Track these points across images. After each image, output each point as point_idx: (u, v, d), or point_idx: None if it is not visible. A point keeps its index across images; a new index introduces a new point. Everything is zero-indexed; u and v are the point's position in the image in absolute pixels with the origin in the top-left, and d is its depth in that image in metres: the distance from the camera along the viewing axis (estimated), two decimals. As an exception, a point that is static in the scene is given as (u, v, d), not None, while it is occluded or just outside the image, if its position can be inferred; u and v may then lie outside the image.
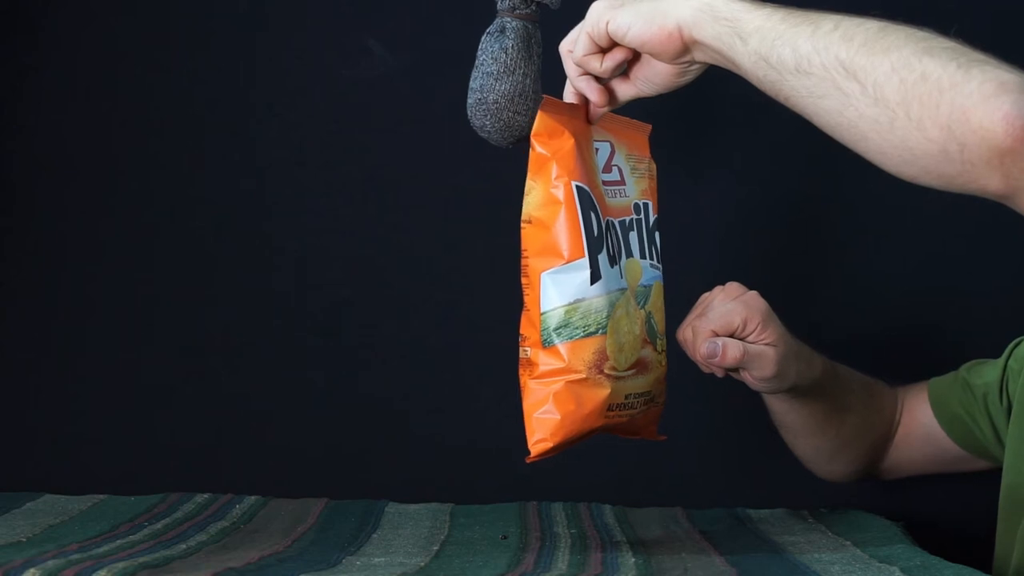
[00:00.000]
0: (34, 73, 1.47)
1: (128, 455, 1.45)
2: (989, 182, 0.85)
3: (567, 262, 1.04)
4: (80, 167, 1.47)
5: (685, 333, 1.21)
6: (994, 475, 1.25)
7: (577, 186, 1.05)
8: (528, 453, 1.05)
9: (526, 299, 1.06)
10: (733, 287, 1.21)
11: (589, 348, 1.04)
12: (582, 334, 1.04)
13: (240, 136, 1.47)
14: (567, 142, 1.05)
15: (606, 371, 1.05)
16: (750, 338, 1.18)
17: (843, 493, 1.41)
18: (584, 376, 1.04)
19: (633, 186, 1.13)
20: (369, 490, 1.40)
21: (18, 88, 1.47)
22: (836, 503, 1.40)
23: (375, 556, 1.12)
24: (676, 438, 1.38)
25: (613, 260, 1.07)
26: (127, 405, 1.46)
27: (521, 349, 1.07)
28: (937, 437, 1.31)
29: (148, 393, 1.46)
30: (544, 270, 1.05)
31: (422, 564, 1.09)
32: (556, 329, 1.04)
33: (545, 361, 1.05)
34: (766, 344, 1.18)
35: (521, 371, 1.07)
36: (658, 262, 1.14)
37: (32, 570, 0.94)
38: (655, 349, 1.11)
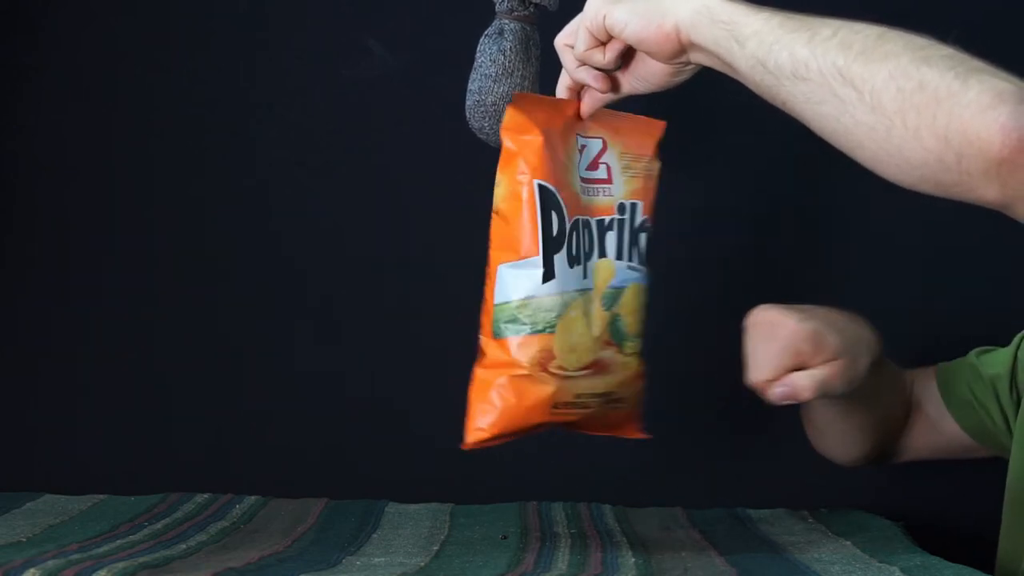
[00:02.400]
0: (34, 73, 1.47)
1: (128, 455, 1.45)
2: (986, 192, 0.85)
3: (521, 258, 1.05)
4: (80, 167, 1.47)
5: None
6: (994, 474, 1.25)
7: (540, 185, 1.05)
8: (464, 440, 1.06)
9: (486, 289, 1.07)
10: (772, 320, 1.16)
11: (535, 345, 1.05)
12: (529, 331, 1.05)
13: (240, 136, 1.47)
14: (535, 139, 1.05)
15: (551, 369, 1.05)
16: (809, 366, 1.14)
17: (843, 493, 1.41)
18: (527, 372, 1.05)
19: (622, 185, 1.12)
20: (369, 490, 1.40)
21: (18, 88, 1.47)
22: (836, 503, 1.40)
23: (375, 556, 1.12)
24: (676, 438, 1.39)
25: (575, 260, 1.07)
26: (127, 405, 1.46)
27: (479, 336, 1.08)
28: (944, 423, 1.31)
29: (148, 393, 1.46)
30: (502, 262, 1.06)
31: (422, 564, 1.09)
32: (506, 323, 1.05)
33: (494, 352, 1.06)
34: (827, 362, 1.14)
35: (477, 358, 1.08)
36: (640, 264, 1.13)
37: (32, 570, 0.95)
38: (621, 351, 1.11)
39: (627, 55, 1.05)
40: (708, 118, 1.44)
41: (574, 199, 1.07)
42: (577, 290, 1.07)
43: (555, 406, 1.06)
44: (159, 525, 1.22)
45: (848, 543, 1.19)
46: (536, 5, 1.10)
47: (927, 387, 1.32)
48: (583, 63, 1.06)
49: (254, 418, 1.46)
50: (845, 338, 1.16)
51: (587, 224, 1.09)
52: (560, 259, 1.06)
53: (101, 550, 1.07)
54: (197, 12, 1.47)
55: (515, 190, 1.05)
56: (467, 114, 1.09)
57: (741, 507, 1.40)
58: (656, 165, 1.16)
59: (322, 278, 1.47)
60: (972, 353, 1.31)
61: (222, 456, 1.45)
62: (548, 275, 1.05)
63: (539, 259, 1.05)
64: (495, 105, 1.08)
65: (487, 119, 1.08)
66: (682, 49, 1.00)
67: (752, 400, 1.30)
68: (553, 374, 1.05)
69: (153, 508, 1.30)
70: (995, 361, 1.28)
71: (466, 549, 1.16)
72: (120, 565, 0.97)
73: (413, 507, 1.36)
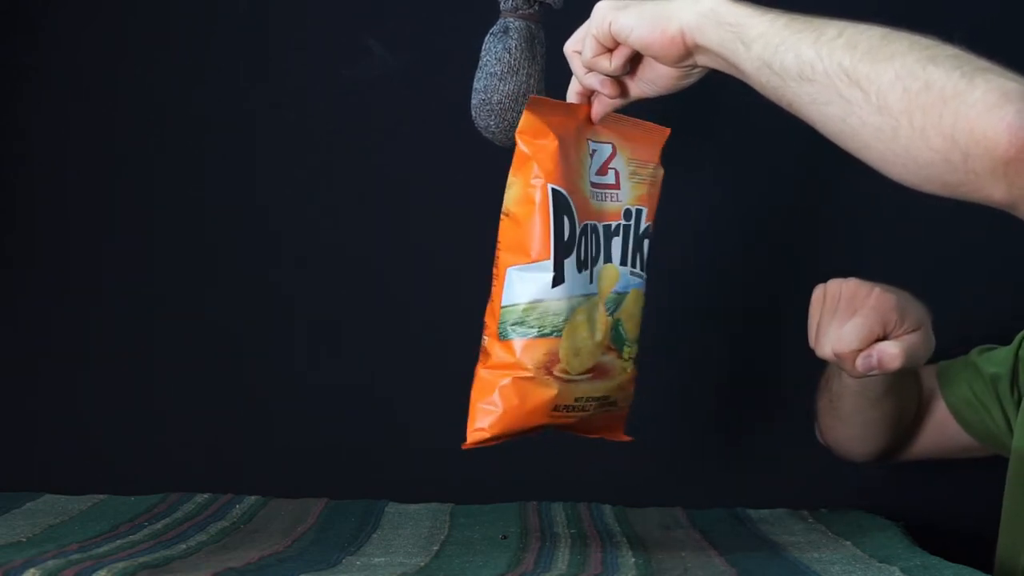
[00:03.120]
0: (34, 73, 1.47)
1: (128, 455, 1.45)
2: (993, 191, 0.85)
3: (532, 261, 1.05)
4: (80, 167, 1.47)
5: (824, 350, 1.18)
6: (994, 474, 1.25)
7: (553, 189, 1.05)
8: (464, 440, 1.06)
9: (493, 289, 1.07)
10: (852, 291, 1.17)
11: (541, 348, 1.05)
12: (536, 334, 1.05)
13: (240, 136, 1.47)
14: (551, 144, 1.05)
15: (556, 373, 1.05)
16: (894, 335, 1.16)
17: (843, 493, 1.41)
18: (532, 375, 1.05)
19: (629, 191, 1.13)
20: (369, 490, 1.40)
21: (18, 88, 1.47)
22: (836, 503, 1.40)
23: (375, 556, 1.12)
24: (676, 438, 1.38)
25: (583, 265, 1.07)
26: (127, 405, 1.46)
27: (483, 337, 1.08)
28: (945, 421, 1.31)
29: (148, 393, 1.46)
30: (511, 265, 1.05)
31: (422, 564, 1.09)
32: (513, 325, 1.05)
33: (498, 353, 1.05)
34: (913, 331, 1.16)
35: (479, 358, 1.08)
36: (642, 270, 1.13)
37: (32, 570, 0.95)
38: (620, 356, 1.11)
39: (635, 60, 1.05)
40: (713, 120, 1.44)
41: (584, 204, 1.08)
42: (583, 295, 1.07)
43: (555, 409, 1.06)
44: (159, 525, 1.22)
45: (848, 543, 1.19)
46: (541, 3, 1.10)
47: (928, 385, 1.32)
48: (591, 69, 1.06)
49: (254, 418, 1.46)
50: (921, 308, 1.17)
51: (595, 229, 1.09)
52: (570, 264, 1.05)
53: (101, 550, 1.07)
54: (197, 12, 1.47)
55: (528, 194, 1.05)
56: (472, 113, 1.09)
57: (741, 507, 1.40)
58: (660, 172, 1.16)
59: (322, 278, 1.47)
60: (973, 352, 1.31)
61: (222, 456, 1.45)
62: (558, 280, 1.05)
63: (550, 263, 1.04)
64: (500, 104, 1.08)
65: (492, 118, 1.08)
66: (688, 52, 1.00)
67: (751, 401, 1.31)
68: (557, 377, 1.05)
69: (153, 508, 1.30)
70: (996, 360, 1.28)
71: (466, 549, 1.16)
72: (120, 565, 0.97)
73: (413, 507, 1.36)
